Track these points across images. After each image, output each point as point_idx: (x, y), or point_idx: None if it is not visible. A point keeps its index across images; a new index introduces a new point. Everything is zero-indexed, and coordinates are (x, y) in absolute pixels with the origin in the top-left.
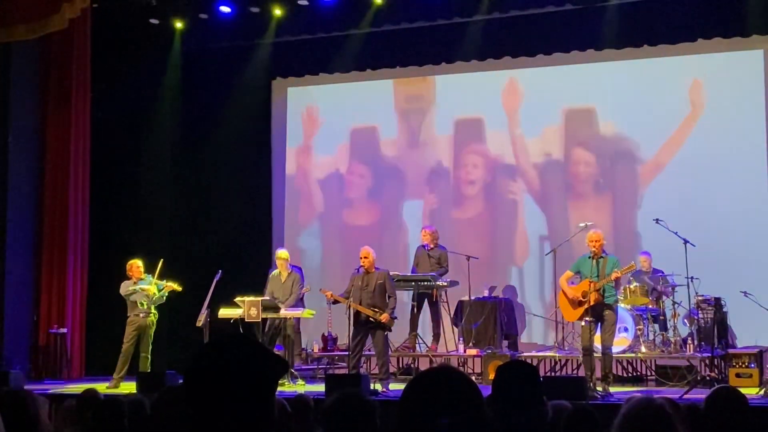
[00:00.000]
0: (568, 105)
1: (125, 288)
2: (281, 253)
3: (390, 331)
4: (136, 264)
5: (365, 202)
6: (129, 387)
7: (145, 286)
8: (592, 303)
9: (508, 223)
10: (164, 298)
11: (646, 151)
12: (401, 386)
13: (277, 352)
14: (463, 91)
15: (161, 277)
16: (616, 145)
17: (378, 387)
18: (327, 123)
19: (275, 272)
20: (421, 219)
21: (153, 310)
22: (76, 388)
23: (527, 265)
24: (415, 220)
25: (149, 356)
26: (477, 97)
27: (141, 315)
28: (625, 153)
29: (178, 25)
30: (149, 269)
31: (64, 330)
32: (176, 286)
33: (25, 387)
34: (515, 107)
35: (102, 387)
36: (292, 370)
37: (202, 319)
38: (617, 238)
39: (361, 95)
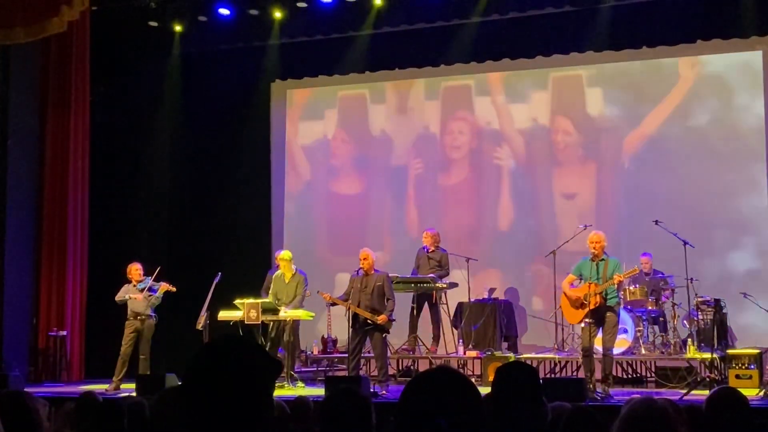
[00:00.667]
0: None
1: (120, 294)
2: (284, 254)
3: (388, 333)
4: (135, 267)
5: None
6: (129, 389)
7: (135, 295)
8: (593, 306)
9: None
10: (160, 299)
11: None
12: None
13: (279, 356)
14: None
15: (158, 279)
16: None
17: (378, 389)
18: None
19: (278, 273)
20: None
21: (152, 313)
22: (76, 390)
23: (527, 267)
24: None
25: (148, 358)
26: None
27: (139, 317)
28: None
29: (177, 27)
30: (149, 273)
31: (64, 333)
32: (171, 287)
33: (25, 389)
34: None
35: (101, 389)
36: (292, 373)
37: (201, 322)
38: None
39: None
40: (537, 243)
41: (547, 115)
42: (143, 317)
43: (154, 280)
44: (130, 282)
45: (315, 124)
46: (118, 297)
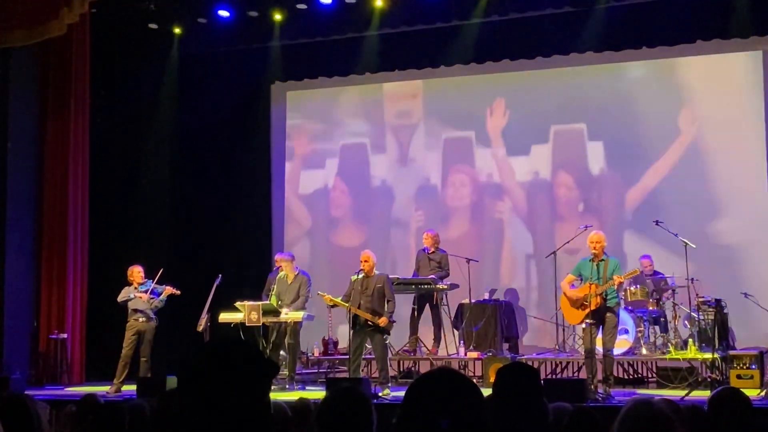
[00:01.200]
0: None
1: (122, 295)
2: (284, 255)
3: (389, 334)
4: (137, 269)
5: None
6: (130, 392)
7: (139, 294)
8: (594, 307)
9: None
10: (163, 302)
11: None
12: (402, 390)
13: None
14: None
15: (160, 282)
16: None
17: (380, 391)
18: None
19: (281, 274)
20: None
21: (153, 315)
22: (77, 393)
23: (527, 268)
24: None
25: (149, 361)
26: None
27: (140, 320)
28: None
29: (177, 30)
30: (150, 275)
31: (65, 335)
32: (175, 291)
33: (26, 392)
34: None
35: (102, 392)
36: (293, 375)
37: (202, 324)
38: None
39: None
40: (537, 245)
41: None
42: (145, 318)
43: (156, 283)
44: (131, 284)
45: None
46: (120, 297)
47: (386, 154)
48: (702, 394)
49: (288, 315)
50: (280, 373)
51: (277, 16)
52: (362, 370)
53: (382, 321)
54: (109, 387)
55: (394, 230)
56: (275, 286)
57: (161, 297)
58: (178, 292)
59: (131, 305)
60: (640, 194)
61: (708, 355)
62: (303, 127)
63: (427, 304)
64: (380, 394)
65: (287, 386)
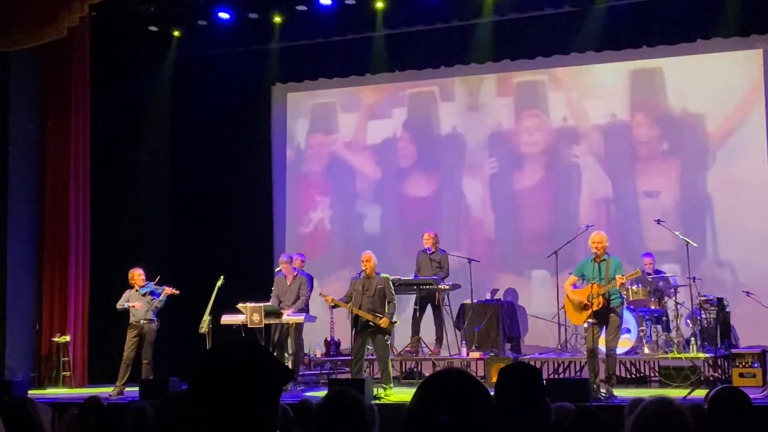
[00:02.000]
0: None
1: (121, 301)
2: (283, 257)
3: (390, 335)
4: (137, 272)
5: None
6: (132, 394)
7: (133, 303)
8: (596, 307)
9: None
10: (163, 302)
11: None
12: (404, 390)
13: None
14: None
15: (160, 284)
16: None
17: (381, 392)
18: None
19: (280, 276)
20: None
21: (154, 317)
22: (79, 395)
23: (529, 268)
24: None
25: (151, 363)
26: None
27: (141, 322)
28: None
29: (177, 32)
30: (152, 277)
31: (67, 338)
32: (174, 291)
33: (28, 395)
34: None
35: (104, 394)
36: (295, 376)
37: (204, 326)
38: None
39: None
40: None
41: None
42: (145, 322)
43: (156, 284)
44: (132, 287)
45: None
46: (119, 305)
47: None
48: (704, 393)
49: (290, 317)
50: None
51: (277, 18)
52: (365, 371)
53: (384, 322)
54: (112, 389)
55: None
56: (275, 287)
57: (161, 297)
58: (177, 292)
59: (130, 311)
60: None
61: (710, 354)
62: (304, 127)
63: (429, 305)
64: (383, 395)
65: (289, 387)
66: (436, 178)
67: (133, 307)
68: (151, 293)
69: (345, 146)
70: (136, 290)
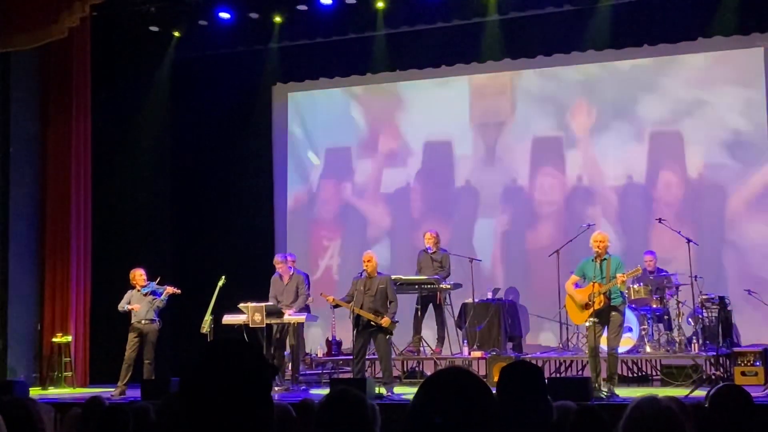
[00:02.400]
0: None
1: (122, 303)
2: (277, 257)
3: (392, 334)
4: (139, 272)
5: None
6: (134, 394)
7: (131, 306)
8: (598, 306)
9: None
10: (164, 302)
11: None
12: (406, 389)
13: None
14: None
15: (161, 284)
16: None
17: (382, 391)
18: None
19: (276, 276)
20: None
21: (155, 317)
22: (81, 396)
23: (530, 268)
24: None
25: (153, 363)
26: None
27: (142, 322)
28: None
29: (178, 32)
30: (153, 277)
31: (68, 338)
32: (176, 290)
33: (30, 395)
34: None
35: (106, 394)
36: (297, 375)
37: (206, 326)
38: None
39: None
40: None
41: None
42: (146, 322)
43: (158, 284)
44: (134, 288)
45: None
46: (120, 306)
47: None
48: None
49: (291, 316)
50: (286, 373)
51: (278, 18)
52: (367, 371)
53: (385, 321)
54: (113, 390)
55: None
56: (272, 288)
57: (162, 297)
58: (179, 291)
59: (131, 312)
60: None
61: (712, 353)
62: (304, 126)
63: (431, 304)
64: (384, 394)
65: (291, 387)
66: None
67: (134, 308)
68: (153, 293)
69: (347, 144)
70: (138, 290)
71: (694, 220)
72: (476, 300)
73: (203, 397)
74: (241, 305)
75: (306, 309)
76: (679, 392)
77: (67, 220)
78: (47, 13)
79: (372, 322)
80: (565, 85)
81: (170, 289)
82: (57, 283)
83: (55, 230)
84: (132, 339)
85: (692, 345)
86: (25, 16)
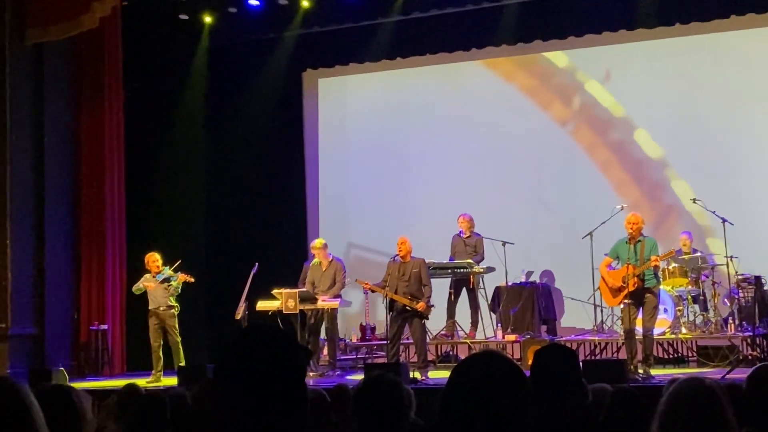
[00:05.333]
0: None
1: (137, 284)
2: (317, 242)
3: (427, 319)
4: (153, 258)
5: None
6: (170, 381)
7: (146, 283)
8: (632, 288)
9: None
10: (179, 289)
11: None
12: (440, 374)
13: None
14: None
15: (176, 271)
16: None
17: (417, 375)
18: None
19: (315, 261)
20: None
21: (173, 302)
22: (118, 384)
23: (565, 249)
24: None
25: (180, 348)
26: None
27: (160, 309)
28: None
29: (208, 19)
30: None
31: (105, 327)
32: (189, 278)
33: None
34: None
35: (142, 382)
36: (332, 361)
37: (240, 312)
38: None
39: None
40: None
41: None
42: (164, 309)
43: (173, 271)
44: (149, 272)
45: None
46: (135, 287)
47: None
48: (742, 373)
49: (325, 302)
50: (321, 359)
51: (306, 3)
52: (400, 355)
53: (421, 306)
54: (148, 378)
55: None
56: (309, 274)
57: (174, 284)
58: (192, 280)
59: (149, 298)
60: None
61: (748, 333)
62: (335, 113)
63: (464, 288)
64: (419, 379)
65: (326, 372)
66: None
67: (148, 287)
68: (166, 280)
69: (377, 128)
70: (153, 275)
71: (729, 198)
72: (509, 283)
73: (238, 382)
74: (275, 291)
75: (340, 295)
76: (715, 373)
77: (101, 208)
78: (79, 4)
79: (407, 307)
80: (608, 64)
81: (183, 277)
82: (93, 271)
83: (90, 219)
84: (153, 326)
85: (728, 325)
86: (57, 7)
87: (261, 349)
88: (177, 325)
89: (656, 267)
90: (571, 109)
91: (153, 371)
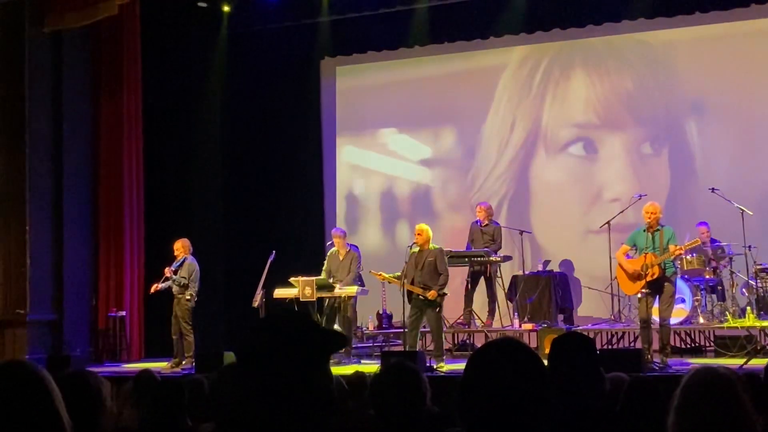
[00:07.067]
0: None
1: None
2: (338, 231)
3: (440, 307)
4: (175, 245)
5: None
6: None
7: (156, 285)
8: (651, 278)
9: None
10: (180, 282)
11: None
12: (457, 362)
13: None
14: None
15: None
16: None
17: (435, 364)
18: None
19: (333, 250)
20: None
21: (187, 294)
22: (136, 370)
23: (582, 239)
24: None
25: (192, 336)
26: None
27: (177, 296)
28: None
29: (226, 7)
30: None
31: (123, 313)
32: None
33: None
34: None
35: (160, 368)
36: (349, 349)
37: (258, 300)
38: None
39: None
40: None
41: None
42: (178, 298)
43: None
44: (176, 258)
45: None
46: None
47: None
48: (761, 363)
49: (342, 290)
50: None
51: None
52: (418, 343)
53: (431, 294)
54: (167, 363)
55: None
56: (327, 262)
57: (174, 277)
58: (160, 287)
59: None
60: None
61: (766, 323)
62: (352, 101)
63: (481, 277)
64: (435, 367)
65: (344, 360)
66: None
67: (166, 273)
68: (173, 274)
69: (395, 117)
70: (178, 261)
71: (747, 188)
72: (527, 272)
73: (262, 369)
74: (292, 279)
75: (359, 281)
76: (733, 363)
77: (120, 195)
78: None
79: (421, 296)
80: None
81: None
82: (111, 258)
83: (108, 206)
84: (174, 313)
85: (746, 315)
86: None
87: (284, 335)
88: (188, 316)
89: (677, 257)
90: (593, 97)
91: (173, 357)
